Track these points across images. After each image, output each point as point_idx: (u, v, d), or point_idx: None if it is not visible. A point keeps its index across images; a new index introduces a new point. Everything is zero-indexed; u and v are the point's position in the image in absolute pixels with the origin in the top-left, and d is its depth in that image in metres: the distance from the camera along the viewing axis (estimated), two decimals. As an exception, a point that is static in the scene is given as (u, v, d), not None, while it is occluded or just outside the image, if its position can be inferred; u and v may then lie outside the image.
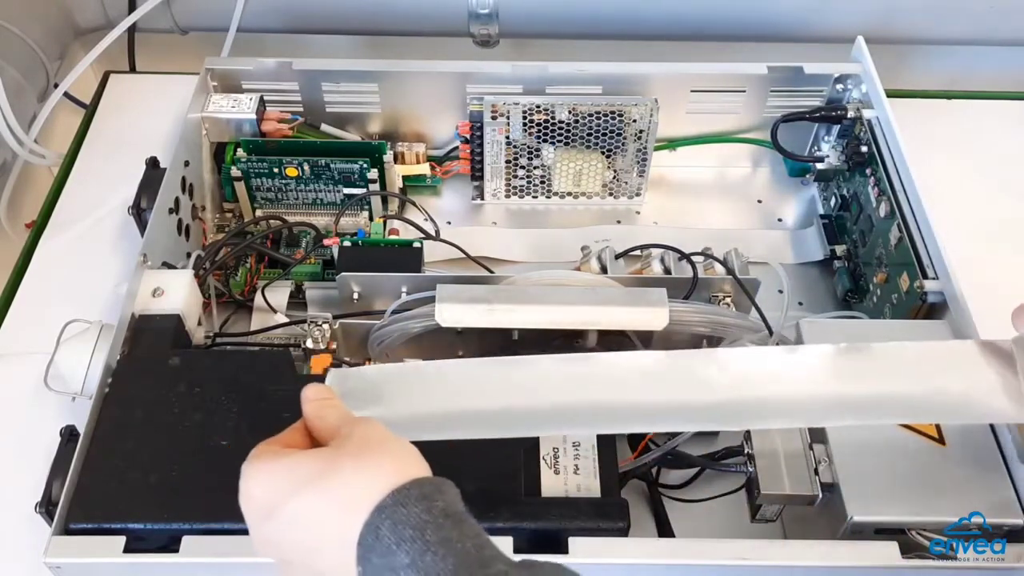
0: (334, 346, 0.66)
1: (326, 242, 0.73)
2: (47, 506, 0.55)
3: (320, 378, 0.54)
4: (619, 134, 0.81)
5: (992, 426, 0.56)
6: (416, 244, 0.72)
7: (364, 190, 0.79)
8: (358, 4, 1.00)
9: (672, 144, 0.88)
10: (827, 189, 0.86)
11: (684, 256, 0.71)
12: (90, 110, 0.94)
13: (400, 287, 0.68)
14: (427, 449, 0.54)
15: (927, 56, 1.08)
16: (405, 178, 0.85)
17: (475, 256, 0.78)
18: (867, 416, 0.51)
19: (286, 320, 0.71)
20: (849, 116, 0.80)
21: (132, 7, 1.00)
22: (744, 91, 0.84)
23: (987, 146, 0.92)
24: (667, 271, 0.72)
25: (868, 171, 0.77)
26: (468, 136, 0.82)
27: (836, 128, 0.83)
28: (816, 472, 0.55)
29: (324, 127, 0.85)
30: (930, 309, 0.66)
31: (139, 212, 0.72)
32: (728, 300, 0.70)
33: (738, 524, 0.62)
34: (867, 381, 0.51)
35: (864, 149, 0.78)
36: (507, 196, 0.86)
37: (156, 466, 0.54)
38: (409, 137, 0.86)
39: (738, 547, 0.52)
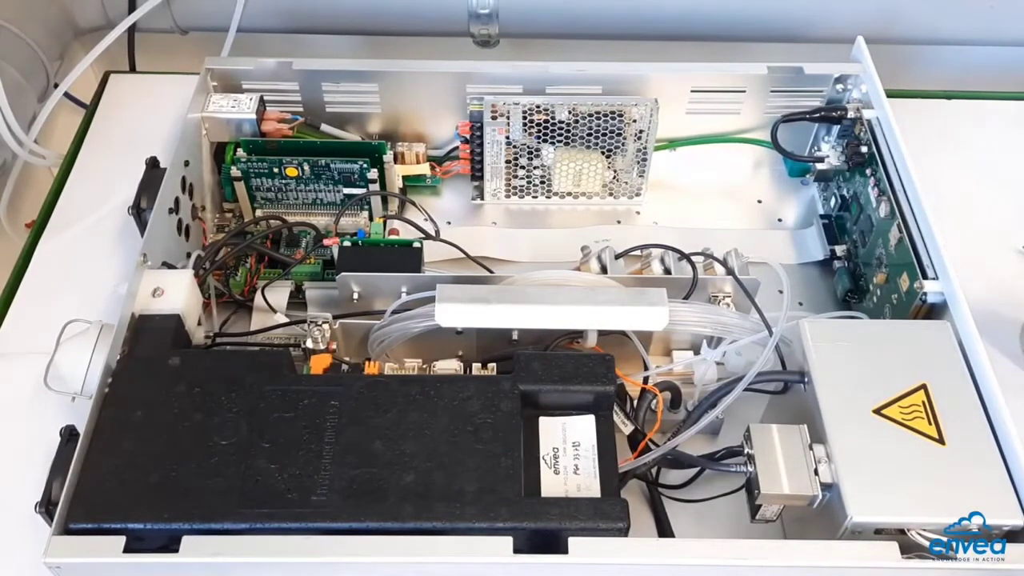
0: (334, 346, 0.66)
1: (326, 242, 0.73)
2: (47, 506, 0.55)
3: (322, 377, 0.53)
4: (619, 134, 0.81)
5: (992, 426, 0.56)
6: (416, 244, 0.72)
7: (364, 190, 0.79)
8: (358, 4, 1.01)
9: (672, 144, 0.88)
10: (827, 189, 0.86)
11: (684, 256, 0.71)
12: (90, 110, 0.94)
13: (400, 287, 0.68)
14: (430, 448, 0.55)
15: (927, 56, 1.08)
16: (405, 178, 0.85)
17: (475, 256, 0.78)
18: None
19: (286, 320, 0.71)
20: (849, 116, 0.80)
21: (132, 7, 1.00)
22: (744, 91, 0.84)
23: (987, 146, 0.92)
24: (667, 271, 0.72)
25: (868, 171, 0.77)
26: (468, 136, 0.82)
27: (836, 128, 0.83)
28: (816, 472, 0.55)
29: (324, 127, 0.85)
30: (930, 309, 0.66)
31: (139, 212, 0.72)
32: (728, 300, 0.70)
33: (738, 524, 0.62)
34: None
35: (864, 149, 0.78)
36: (507, 196, 0.86)
37: (156, 466, 0.54)
38: (409, 137, 0.86)
39: (738, 547, 0.52)
